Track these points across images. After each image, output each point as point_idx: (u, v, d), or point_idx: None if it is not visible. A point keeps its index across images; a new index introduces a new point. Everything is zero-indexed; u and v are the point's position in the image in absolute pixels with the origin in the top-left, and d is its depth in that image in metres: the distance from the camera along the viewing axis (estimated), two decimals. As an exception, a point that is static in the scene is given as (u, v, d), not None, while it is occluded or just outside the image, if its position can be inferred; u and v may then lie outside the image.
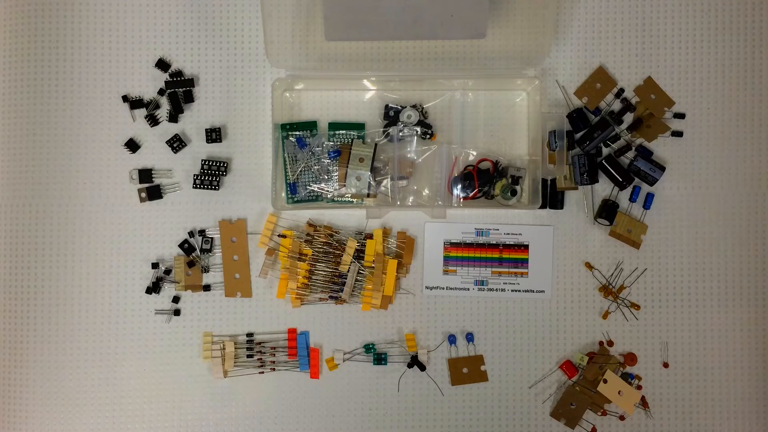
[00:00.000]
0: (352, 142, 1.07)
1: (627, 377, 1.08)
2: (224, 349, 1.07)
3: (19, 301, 1.09)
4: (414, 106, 1.07)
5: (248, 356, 1.08)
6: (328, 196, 1.07)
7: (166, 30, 1.10)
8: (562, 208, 1.09)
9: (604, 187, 1.10)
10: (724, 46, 1.10)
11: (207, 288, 1.09)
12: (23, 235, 1.09)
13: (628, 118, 1.10)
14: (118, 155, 1.10)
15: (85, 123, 1.10)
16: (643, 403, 1.08)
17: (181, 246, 1.08)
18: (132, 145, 1.09)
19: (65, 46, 1.10)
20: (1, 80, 1.10)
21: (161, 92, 1.09)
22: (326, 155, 1.06)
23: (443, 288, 1.09)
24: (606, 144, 1.09)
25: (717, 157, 1.10)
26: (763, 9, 1.10)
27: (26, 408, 1.09)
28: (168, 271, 1.09)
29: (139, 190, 1.09)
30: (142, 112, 1.10)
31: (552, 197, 1.08)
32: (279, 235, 1.08)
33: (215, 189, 1.08)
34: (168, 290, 1.09)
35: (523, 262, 1.09)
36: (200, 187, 1.08)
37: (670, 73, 1.10)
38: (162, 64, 1.09)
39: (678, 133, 1.09)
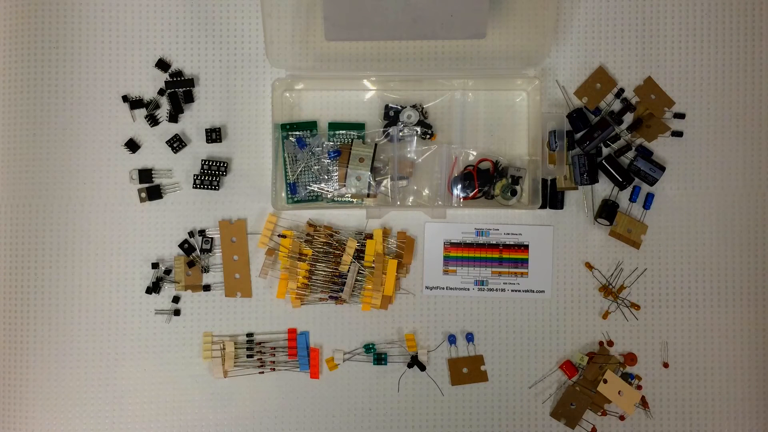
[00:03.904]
0: (352, 142, 1.07)
1: (627, 377, 1.08)
2: (224, 349, 1.07)
3: (19, 301, 1.09)
4: (414, 106, 1.07)
5: (248, 356, 1.08)
6: (328, 196, 1.07)
7: (166, 30, 1.10)
8: (562, 208, 1.09)
9: (604, 187, 1.10)
10: (724, 46, 1.10)
11: (207, 288, 1.09)
12: (23, 235, 1.09)
13: (628, 118, 1.10)
14: (118, 155, 1.10)
15: (85, 123, 1.10)
16: (643, 403, 1.08)
17: (181, 246, 1.09)
18: (132, 145, 1.09)
19: (65, 46, 1.10)
20: (1, 80, 1.10)
21: (161, 92, 1.09)
22: (326, 155, 1.06)
23: (443, 288, 1.09)
24: (606, 144, 1.09)
25: (717, 157, 1.10)
26: (762, 9, 1.10)
27: (26, 408, 1.09)
28: (168, 271, 1.09)
29: (139, 190, 1.09)
30: (142, 112, 1.10)
31: (552, 197, 1.08)
32: (279, 235, 1.08)
33: (215, 189, 1.08)
34: (168, 290, 1.09)
35: (523, 262, 1.09)
36: (200, 187, 1.08)
37: (670, 73, 1.10)
38: (162, 64, 1.09)
39: (678, 133, 1.09)
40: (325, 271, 1.08)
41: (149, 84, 1.10)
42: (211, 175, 1.08)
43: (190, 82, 1.09)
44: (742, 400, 1.09)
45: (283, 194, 1.07)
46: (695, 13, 1.10)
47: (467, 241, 1.09)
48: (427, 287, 1.09)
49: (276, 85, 1.06)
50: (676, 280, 1.09)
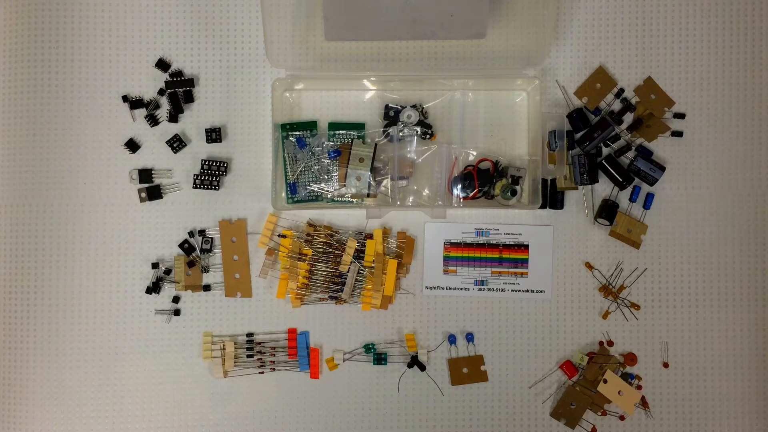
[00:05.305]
0: (352, 142, 1.07)
1: (627, 377, 1.08)
2: (224, 349, 1.07)
3: (19, 301, 1.09)
4: (414, 106, 1.07)
5: (248, 356, 1.08)
6: (328, 196, 1.07)
7: (166, 30, 1.10)
8: (562, 208, 1.09)
9: (604, 187, 1.10)
10: (723, 46, 1.10)
11: (207, 288, 1.09)
12: (23, 235, 1.09)
13: (628, 118, 1.10)
14: (118, 155, 1.10)
15: (85, 123, 1.10)
16: (643, 403, 1.08)
17: (181, 246, 1.09)
18: (132, 145, 1.09)
19: (65, 46, 1.10)
20: (1, 80, 1.10)
21: (161, 92, 1.09)
22: (326, 155, 1.06)
23: (443, 288, 1.09)
24: (606, 144, 1.09)
25: (717, 157, 1.10)
26: (763, 9, 1.10)
27: (26, 408, 1.09)
28: (168, 271, 1.09)
29: (139, 190, 1.09)
30: (142, 112, 1.10)
31: (552, 197, 1.08)
32: (279, 235, 1.08)
33: (215, 189, 1.08)
34: (168, 290, 1.09)
35: (523, 262, 1.09)
36: (200, 187, 1.08)
37: (670, 73, 1.10)
38: (162, 64, 1.09)
39: (678, 133, 1.09)
40: (325, 271, 1.08)
41: (149, 84, 1.10)
42: (211, 175, 1.08)
43: (190, 82, 1.09)
44: (742, 400, 1.09)
45: (283, 194, 1.07)
46: (695, 14, 1.10)
47: (467, 241, 1.09)
48: (427, 287, 1.09)
49: (276, 85, 1.06)
50: (676, 280, 1.09)
